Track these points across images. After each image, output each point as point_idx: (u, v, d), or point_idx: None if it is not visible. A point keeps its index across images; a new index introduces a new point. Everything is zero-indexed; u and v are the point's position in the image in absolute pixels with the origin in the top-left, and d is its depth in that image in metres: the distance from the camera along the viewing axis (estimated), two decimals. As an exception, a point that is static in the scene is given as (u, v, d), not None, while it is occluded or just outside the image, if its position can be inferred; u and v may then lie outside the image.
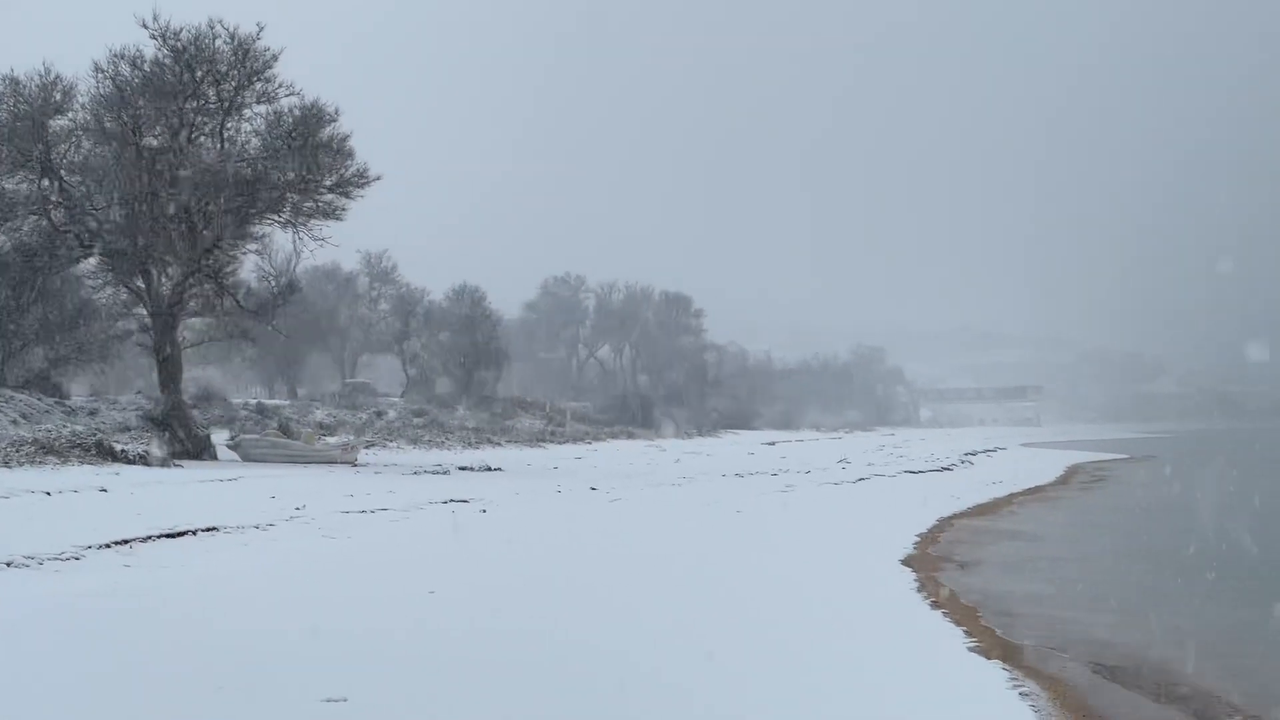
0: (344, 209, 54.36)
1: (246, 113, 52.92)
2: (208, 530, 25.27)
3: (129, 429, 52.79)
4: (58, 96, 51.79)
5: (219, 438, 55.93)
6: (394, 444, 68.77)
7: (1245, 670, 16.02)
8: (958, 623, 17.68)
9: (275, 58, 51.80)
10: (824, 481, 50.22)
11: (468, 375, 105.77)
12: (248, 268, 66.09)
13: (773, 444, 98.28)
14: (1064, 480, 59.34)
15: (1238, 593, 21.86)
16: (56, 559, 19.98)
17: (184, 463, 47.03)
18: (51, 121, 51.63)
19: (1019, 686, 13.57)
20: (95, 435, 45.20)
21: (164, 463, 44.25)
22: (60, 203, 52.02)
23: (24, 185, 52.08)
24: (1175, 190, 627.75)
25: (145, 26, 49.90)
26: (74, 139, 52.40)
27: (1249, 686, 14.91)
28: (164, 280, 52.97)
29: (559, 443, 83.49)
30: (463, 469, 53.34)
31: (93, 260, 54.41)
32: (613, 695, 12.39)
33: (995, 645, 16.20)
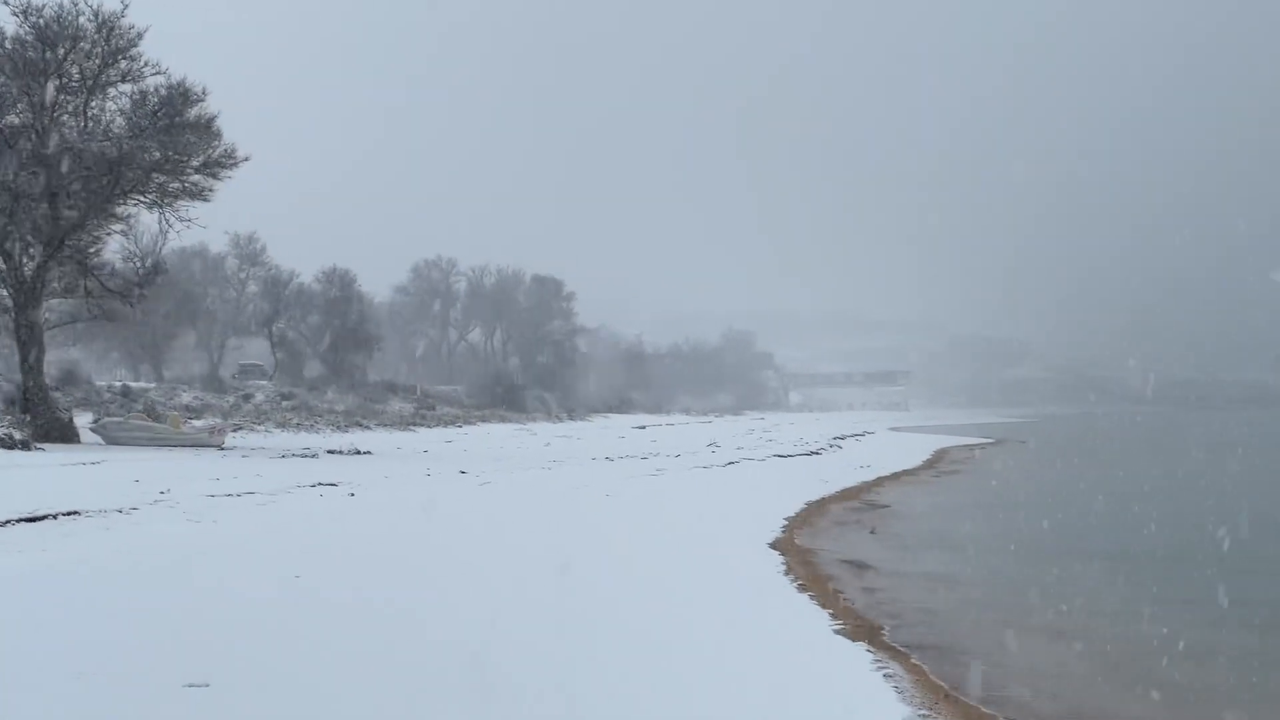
0: (211, 190, 53.72)
1: (111, 91, 52.07)
2: (69, 514, 24.77)
3: (-12, 411, 51.79)
4: (-87, 71, 50.55)
5: (82, 420, 55.08)
6: (262, 428, 68.07)
7: (1094, 644, 16.38)
8: (823, 605, 17.83)
9: (140, 36, 50.93)
10: (694, 465, 50.37)
11: (337, 358, 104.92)
12: (112, 248, 64.92)
13: (643, 428, 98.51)
14: (931, 464, 60.08)
15: (1086, 567, 22.46)
16: (-92, 545, 19.57)
17: (45, 446, 46.25)
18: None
19: (883, 668, 13.71)
20: (-49, 418, 44.30)
21: (24, 446, 43.49)
22: (-83, 180, 50.76)
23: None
24: (1039, 178, 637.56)
25: (6, 3, 48.90)
26: (-69, 115, 51.13)
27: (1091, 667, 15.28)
28: (25, 260, 51.92)
29: (429, 426, 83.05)
30: (332, 453, 52.94)
31: (-50, 239, 53.19)
32: (470, 679, 12.36)
33: (860, 627, 16.37)
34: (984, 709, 12.67)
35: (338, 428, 72.28)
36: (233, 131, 53.29)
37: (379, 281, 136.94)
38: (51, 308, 58.70)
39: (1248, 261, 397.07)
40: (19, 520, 23.42)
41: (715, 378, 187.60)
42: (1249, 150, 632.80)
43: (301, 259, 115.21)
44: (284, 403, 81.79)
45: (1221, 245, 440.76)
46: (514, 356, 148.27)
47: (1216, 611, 17.55)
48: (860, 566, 23.53)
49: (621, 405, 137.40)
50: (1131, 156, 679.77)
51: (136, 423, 54.89)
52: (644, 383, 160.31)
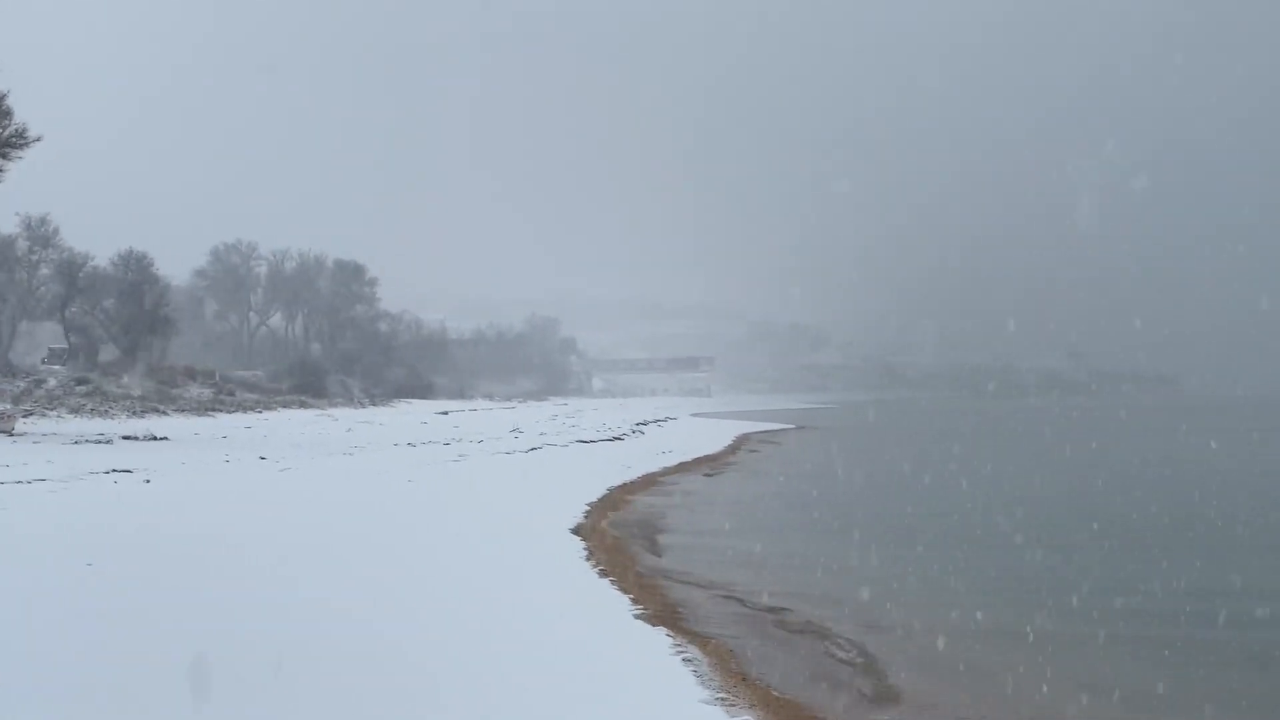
0: (1, 171, 52.12)
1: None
2: None
3: None
4: None
5: None
6: (54, 413, 66.26)
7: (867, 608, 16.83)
8: (624, 590, 17.98)
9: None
10: (496, 451, 50.33)
11: (134, 343, 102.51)
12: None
13: (446, 413, 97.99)
14: (733, 449, 60.79)
15: (872, 546, 23.00)
16: None
17: None
18: None
19: (682, 652, 13.89)
20: None
21: None
22: None
23: None
24: (838, 166, 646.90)
25: None
26: None
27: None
28: None
29: (229, 412, 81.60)
30: (127, 438, 51.83)
31: None
32: (273, 671, 12.30)
33: (659, 611, 16.53)
34: (781, 691, 12.89)
35: (134, 413, 70.66)
36: (25, 111, 51.75)
37: (179, 265, 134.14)
38: None
39: (1046, 254, 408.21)
40: None
41: (519, 364, 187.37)
42: (1047, 139, 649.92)
43: (98, 242, 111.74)
44: (78, 388, 79.66)
45: (1020, 235, 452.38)
46: (316, 342, 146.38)
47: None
48: (661, 550, 23.76)
49: (424, 391, 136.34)
50: (930, 143, 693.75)
51: (-83, 409, 53.34)
52: (447, 369, 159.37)
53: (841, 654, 15.09)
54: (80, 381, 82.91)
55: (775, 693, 12.75)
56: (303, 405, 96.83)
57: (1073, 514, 30.22)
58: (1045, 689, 13.55)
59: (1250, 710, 13.16)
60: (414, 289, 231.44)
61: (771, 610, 17.70)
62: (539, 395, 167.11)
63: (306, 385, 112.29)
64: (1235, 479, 40.09)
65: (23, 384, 79.04)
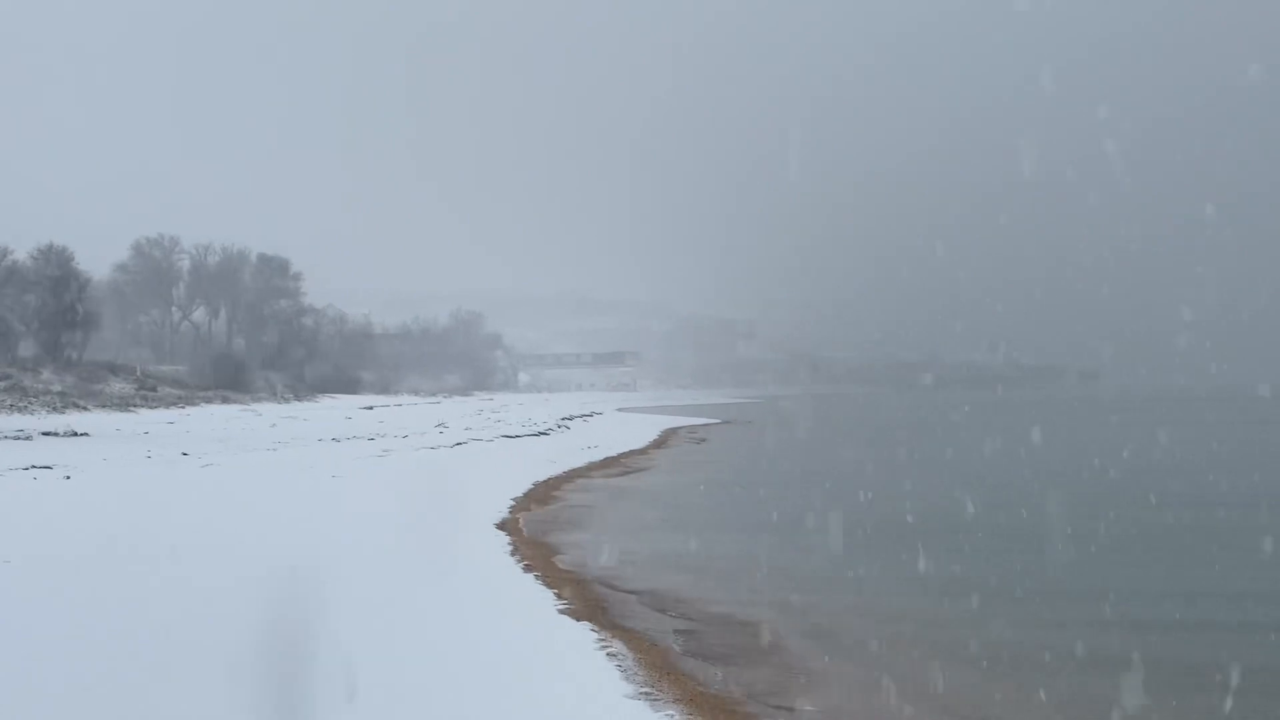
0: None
1: None
2: None
3: None
4: None
5: None
6: (-30, 409, 65.53)
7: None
8: (549, 584, 17.96)
9: None
10: (421, 446, 50.21)
11: (54, 338, 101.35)
12: None
13: (371, 408, 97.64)
14: (658, 444, 60.86)
15: (793, 543, 23.17)
16: None
17: None
18: None
19: (606, 646, 13.89)
20: None
21: None
22: None
23: None
24: (767, 162, 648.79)
25: None
26: None
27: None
28: None
29: (151, 407, 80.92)
30: (47, 434, 51.36)
31: None
32: (188, 671, 12.23)
33: (584, 606, 16.53)
34: (706, 685, 12.92)
35: (54, 409, 69.93)
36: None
37: (101, 259, 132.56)
38: None
39: (972, 249, 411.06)
40: None
41: (444, 358, 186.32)
42: (976, 135, 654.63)
43: (16, 235, 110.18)
44: (-4, 383, 78.85)
45: (947, 230, 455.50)
46: (239, 337, 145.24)
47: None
48: (585, 545, 23.75)
49: (349, 386, 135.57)
50: (858, 142, 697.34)
51: None
52: (372, 363, 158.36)
53: (763, 645, 15.14)
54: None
55: (699, 687, 12.76)
56: (226, 401, 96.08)
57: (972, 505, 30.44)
58: (974, 682, 13.66)
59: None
60: (339, 283, 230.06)
61: (694, 604, 17.74)
62: (465, 390, 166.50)
63: (230, 381, 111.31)
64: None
65: (-63, 380, 77.99)
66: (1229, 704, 12.40)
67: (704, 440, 67.39)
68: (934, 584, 19.46)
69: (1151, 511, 28.30)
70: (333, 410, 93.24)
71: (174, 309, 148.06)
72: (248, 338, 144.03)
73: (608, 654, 13.55)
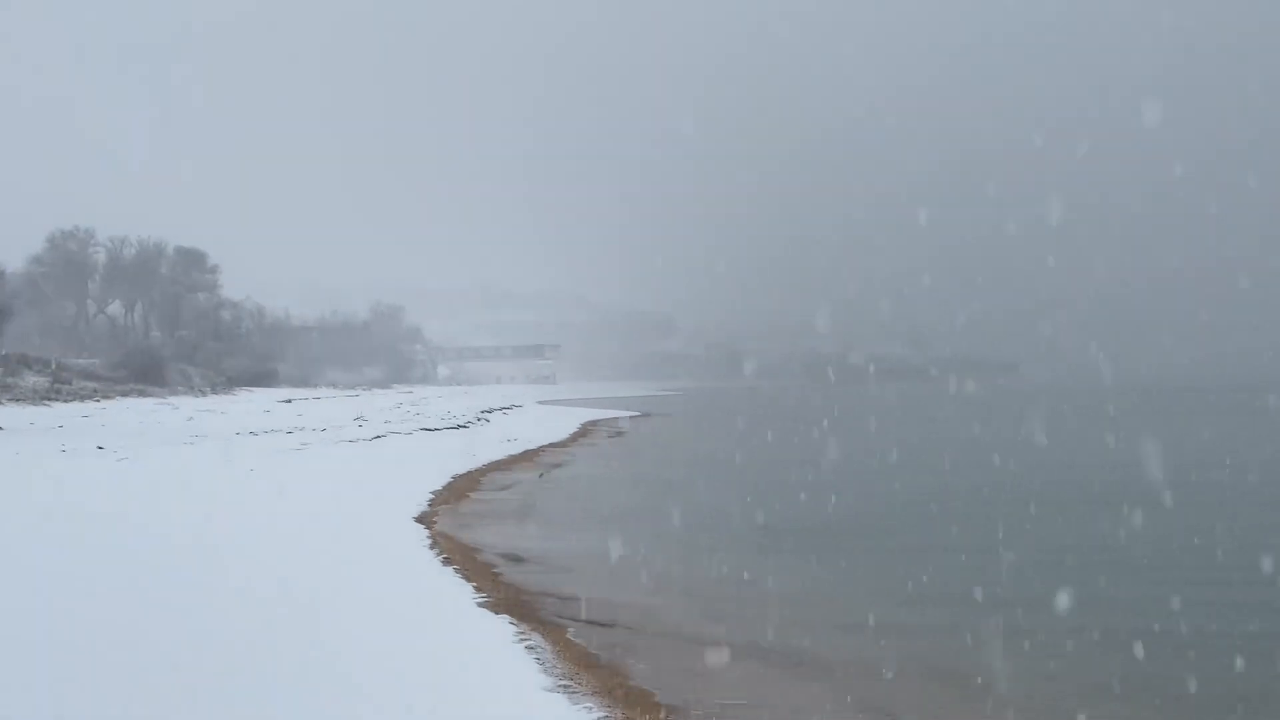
0: None
1: None
2: None
3: None
4: None
5: None
6: (-121, 403, 64.61)
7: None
8: (468, 578, 17.97)
9: None
10: (340, 439, 50.01)
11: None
12: None
13: (289, 401, 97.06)
14: (578, 437, 60.93)
15: (716, 531, 23.34)
16: None
17: None
18: None
19: (525, 639, 13.91)
20: None
21: None
22: None
23: None
24: (686, 154, 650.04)
25: None
26: None
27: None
28: None
29: (65, 401, 79.94)
30: (-43, 429, 50.78)
31: None
32: (86, 666, 12.18)
33: (503, 599, 16.53)
34: (624, 678, 12.98)
35: (-36, 403, 69.15)
36: None
37: (14, 252, 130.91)
38: None
39: (890, 241, 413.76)
40: None
41: (364, 351, 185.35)
42: (888, 127, 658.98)
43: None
44: (-95, 378, 77.82)
45: (867, 222, 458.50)
46: (156, 330, 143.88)
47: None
48: (505, 539, 23.79)
49: (268, 379, 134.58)
50: (775, 132, 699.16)
51: None
52: (291, 356, 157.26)
53: (681, 638, 15.25)
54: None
55: (618, 680, 12.81)
56: (142, 394, 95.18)
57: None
58: (879, 672, 13.82)
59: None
60: (257, 276, 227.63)
61: (614, 598, 17.80)
62: (384, 383, 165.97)
63: (146, 374, 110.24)
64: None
65: None
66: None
67: (623, 433, 67.55)
68: (830, 576, 19.91)
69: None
70: (250, 403, 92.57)
71: (89, 302, 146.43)
72: (165, 331, 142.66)
73: (526, 647, 13.57)
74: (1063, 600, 16.08)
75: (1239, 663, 13.41)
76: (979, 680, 13.35)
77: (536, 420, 77.88)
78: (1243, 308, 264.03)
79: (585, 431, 66.02)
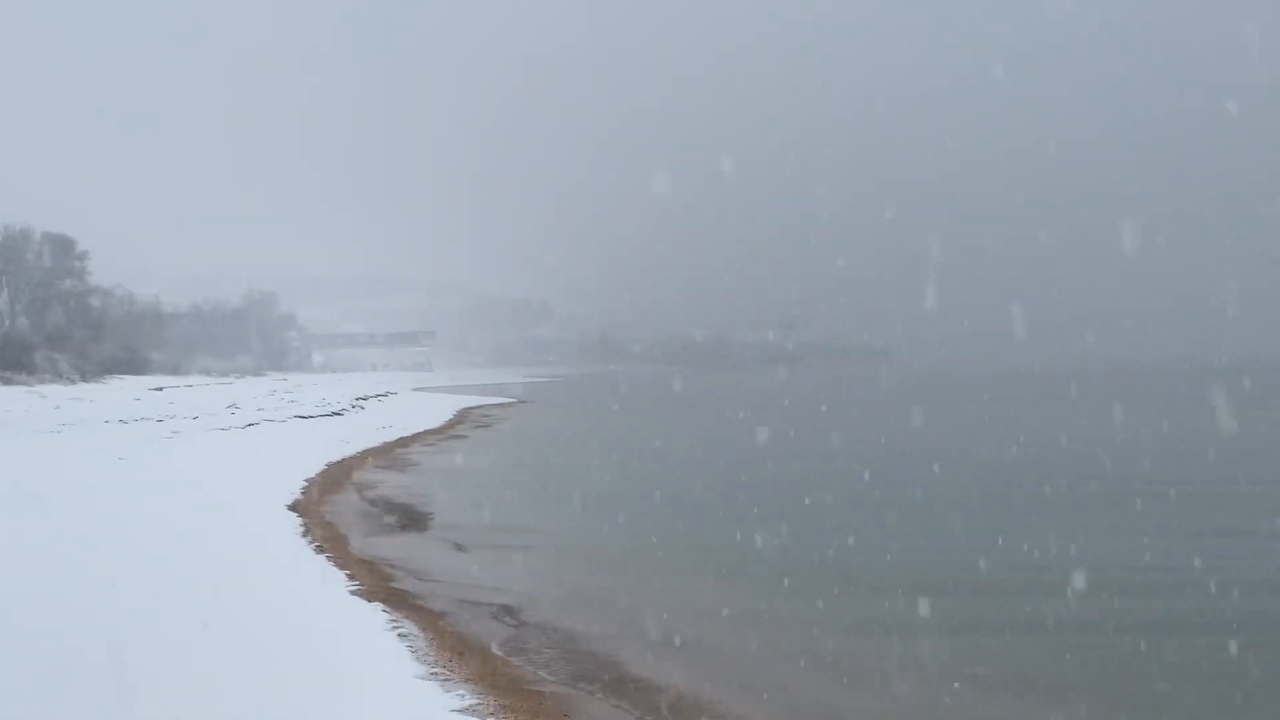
0: None
1: None
2: None
3: None
4: None
5: None
6: None
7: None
8: (341, 566, 17.88)
9: None
10: (212, 427, 49.56)
11: None
12: None
13: (161, 389, 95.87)
14: (453, 424, 60.92)
15: (593, 513, 23.63)
16: None
17: None
18: None
19: (398, 627, 13.86)
20: None
21: None
22: None
23: None
24: (560, 140, 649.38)
25: None
26: None
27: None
28: None
29: (-73, 390, 78.68)
30: None
31: None
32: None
33: (376, 587, 16.45)
34: (504, 660, 13.10)
35: None
36: None
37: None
38: None
39: (764, 226, 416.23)
40: None
41: (237, 339, 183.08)
42: (763, 113, 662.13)
43: None
44: None
45: (742, 207, 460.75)
46: (22, 317, 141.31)
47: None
48: (379, 525, 23.88)
49: (139, 367, 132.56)
50: (649, 119, 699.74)
51: None
52: (162, 344, 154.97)
53: (550, 627, 15.43)
54: None
55: (491, 666, 12.88)
56: (8, 383, 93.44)
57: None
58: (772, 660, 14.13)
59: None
60: (128, 263, 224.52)
61: (489, 586, 17.89)
62: (258, 371, 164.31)
63: (12, 362, 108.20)
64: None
65: None
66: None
67: (497, 419, 67.71)
68: (692, 555, 20.34)
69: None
70: (121, 392, 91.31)
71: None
72: (31, 318, 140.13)
73: (399, 635, 13.52)
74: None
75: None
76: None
77: (411, 407, 77.61)
78: (1129, 289, 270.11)
79: (460, 418, 65.96)
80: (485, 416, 69.99)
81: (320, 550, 19.37)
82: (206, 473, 31.34)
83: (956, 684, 12.69)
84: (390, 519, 25.16)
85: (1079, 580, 16.54)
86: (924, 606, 15.57)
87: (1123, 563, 18.78)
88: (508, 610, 16.09)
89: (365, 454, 40.17)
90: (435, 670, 12.14)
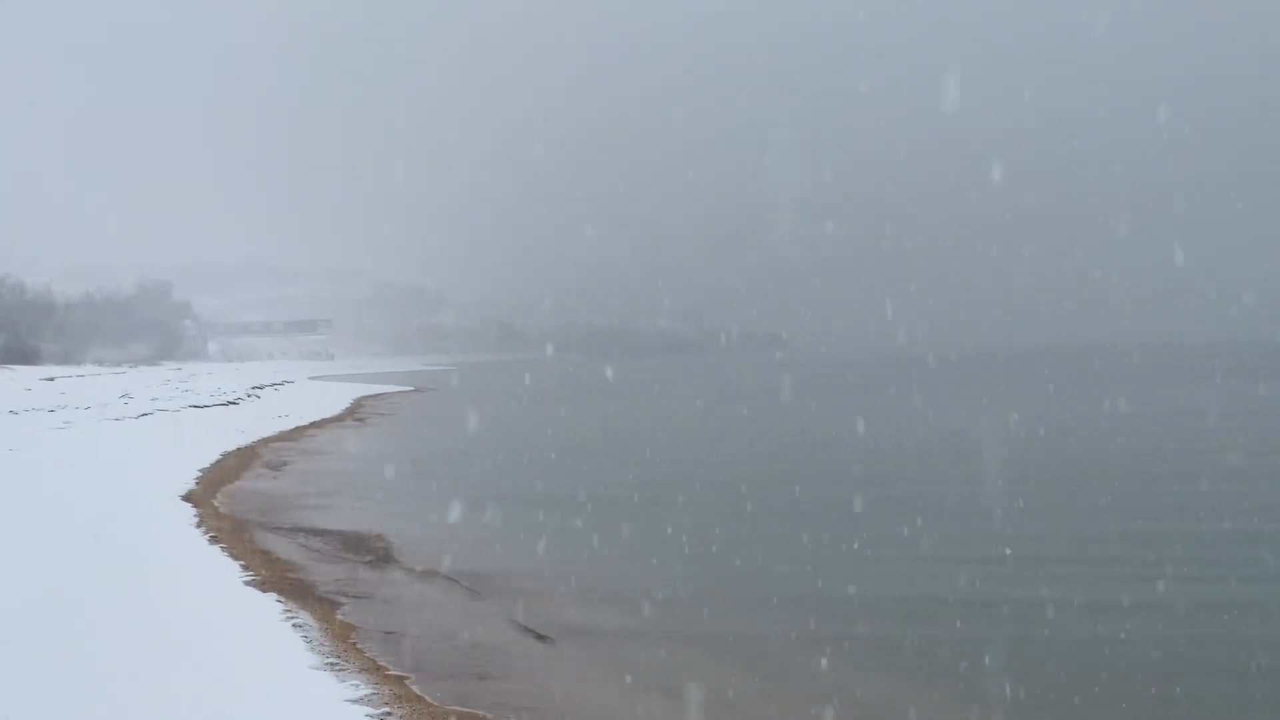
0: None
1: None
2: None
3: None
4: None
5: None
6: None
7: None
8: (235, 556, 17.75)
9: None
10: (105, 417, 48.96)
11: None
12: None
13: (52, 380, 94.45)
14: (350, 412, 60.72)
15: (492, 503, 23.64)
16: None
17: None
18: None
19: (293, 618, 13.77)
20: None
21: None
22: None
23: None
24: (454, 125, 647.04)
25: None
26: None
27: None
28: None
29: None
30: None
31: None
32: None
33: (270, 577, 16.32)
34: (383, 662, 13.01)
35: None
36: None
37: None
38: None
39: (661, 216, 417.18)
40: None
41: (130, 328, 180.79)
42: (659, 91, 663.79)
43: None
44: None
45: (645, 196, 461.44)
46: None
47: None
48: (274, 516, 23.67)
49: (29, 357, 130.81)
50: (545, 97, 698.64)
51: None
52: (54, 334, 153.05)
53: (450, 608, 15.41)
54: None
55: (378, 661, 12.76)
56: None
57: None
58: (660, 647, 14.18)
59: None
60: (18, 251, 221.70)
61: (384, 574, 17.86)
62: (152, 361, 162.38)
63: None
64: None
65: None
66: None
67: (394, 407, 67.70)
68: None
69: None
70: (10, 382, 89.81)
71: None
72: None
73: (294, 625, 13.44)
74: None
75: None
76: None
77: (308, 396, 77.18)
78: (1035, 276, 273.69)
79: (357, 407, 65.75)
80: (382, 405, 69.77)
81: (215, 541, 19.21)
82: (99, 464, 31.01)
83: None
84: (285, 508, 24.94)
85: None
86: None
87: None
88: (405, 602, 16.04)
89: (262, 443, 39.92)
90: (330, 660, 12.06)
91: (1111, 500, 24.41)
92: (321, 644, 12.72)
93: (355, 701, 10.69)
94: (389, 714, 10.42)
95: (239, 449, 37.00)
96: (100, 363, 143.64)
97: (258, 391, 78.71)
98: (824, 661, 13.07)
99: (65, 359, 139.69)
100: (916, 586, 16.68)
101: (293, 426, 47.55)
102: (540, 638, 14.11)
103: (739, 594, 16.67)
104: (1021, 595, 15.75)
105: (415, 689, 11.49)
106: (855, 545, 19.49)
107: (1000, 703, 11.71)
